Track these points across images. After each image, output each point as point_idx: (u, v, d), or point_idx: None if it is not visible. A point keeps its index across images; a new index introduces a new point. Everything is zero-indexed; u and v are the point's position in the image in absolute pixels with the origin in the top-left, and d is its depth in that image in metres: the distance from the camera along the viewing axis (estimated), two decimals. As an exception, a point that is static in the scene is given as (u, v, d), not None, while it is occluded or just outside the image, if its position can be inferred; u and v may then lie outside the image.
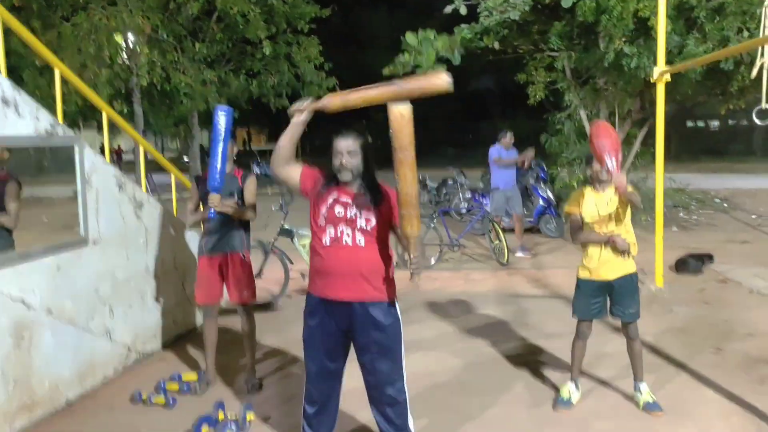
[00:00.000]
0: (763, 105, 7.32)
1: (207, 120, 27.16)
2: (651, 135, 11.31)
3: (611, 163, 3.78)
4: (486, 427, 4.05)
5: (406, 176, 3.12)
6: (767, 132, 29.57)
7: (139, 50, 16.69)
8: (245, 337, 4.81)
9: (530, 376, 4.84)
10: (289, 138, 3.35)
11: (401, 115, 3.06)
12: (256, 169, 19.91)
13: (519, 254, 9.23)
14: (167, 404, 4.42)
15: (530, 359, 5.19)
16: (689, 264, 7.89)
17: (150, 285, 5.47)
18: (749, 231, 10.66)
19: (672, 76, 9.68)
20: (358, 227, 3.31)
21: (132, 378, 4.98)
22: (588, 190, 4.23)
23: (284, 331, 5.94)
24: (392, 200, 3.35)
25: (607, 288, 4.21)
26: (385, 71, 11.14)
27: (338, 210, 3.33)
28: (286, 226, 6.92)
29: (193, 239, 6.18)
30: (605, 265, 4.18)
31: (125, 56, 16.85)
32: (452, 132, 39.47)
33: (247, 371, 4.81)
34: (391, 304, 3.42)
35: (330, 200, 3.35)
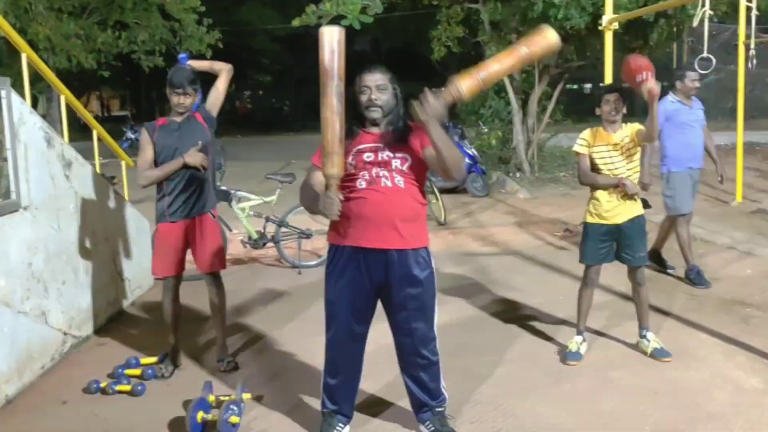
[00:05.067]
0: (705, 54, 7.54)
1: (68, 80, 24.43)
2: (563, 92, 11.50)
3: (646, 75, 3.69)
4: (504, 386, 3.77)
5: (326, 117, 2.73)
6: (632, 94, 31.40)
7: None
8: (215, 311, 4.23)
9: (523, 332, 4.61)
10: None
11: (326, 37, 2.70)
12: (130, 135, 17.90)
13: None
14: (134, 391, 3.78)
15: (514, 315, 4.97)
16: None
17: (82, 259, 4.69)
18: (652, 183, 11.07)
19: (588, 31, 9.75)
20: (394, 168, 2.91)
21: (73, 367, 4.24)
22: (599, 132, 4.02)
23: (232, 303, 5.35)
24: (420, 132, 2.92)
25: (615, 232, 4.04)
26: (295, 23, 10.46)
27: (367, 156, 2.92)
28: (223, 188, 6.23)
29: (122, 205, 5.42)
30: (614, 209, 4.00)
31: None
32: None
33: (218, 349, 4.22)
34: (427, 251, 3.10)
35: (354, 150, 2.91)
